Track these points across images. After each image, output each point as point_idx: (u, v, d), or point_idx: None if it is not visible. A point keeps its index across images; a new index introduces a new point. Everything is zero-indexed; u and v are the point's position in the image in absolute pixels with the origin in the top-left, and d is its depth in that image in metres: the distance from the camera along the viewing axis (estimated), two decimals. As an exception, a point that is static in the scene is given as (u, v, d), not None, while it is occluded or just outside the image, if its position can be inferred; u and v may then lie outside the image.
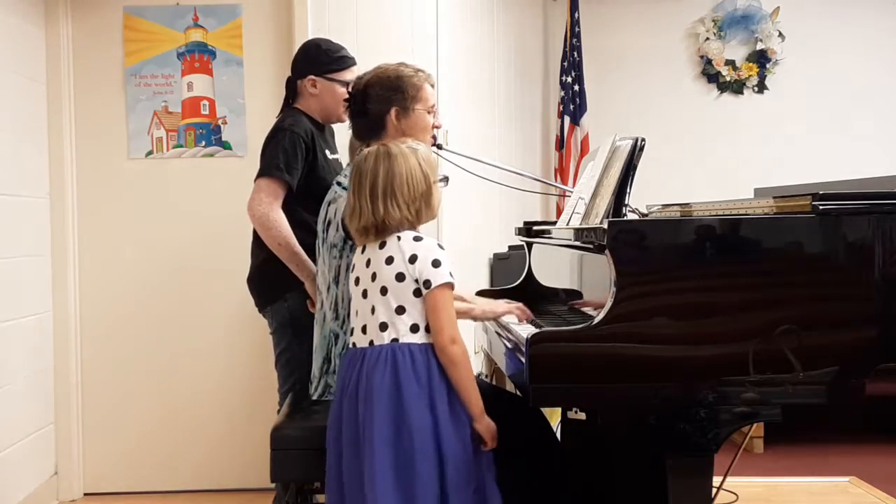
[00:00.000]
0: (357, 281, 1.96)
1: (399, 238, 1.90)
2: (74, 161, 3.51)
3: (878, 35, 4.77)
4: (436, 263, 1.87)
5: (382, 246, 1.91)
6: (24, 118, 3.30)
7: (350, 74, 2.72)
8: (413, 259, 1.87)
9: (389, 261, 1.89)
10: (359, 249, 1.99)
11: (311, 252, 2.52)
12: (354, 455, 1.86)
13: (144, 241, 3.54)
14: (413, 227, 1.92)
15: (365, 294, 1.93)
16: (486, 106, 4.14)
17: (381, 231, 1.90)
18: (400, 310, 1.87)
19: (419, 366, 1.84)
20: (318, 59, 2.74)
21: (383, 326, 1.88)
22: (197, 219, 3.53)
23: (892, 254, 1.71)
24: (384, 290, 1.88)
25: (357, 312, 1.95)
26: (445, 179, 2.02)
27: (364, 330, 1.92)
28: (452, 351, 1.85)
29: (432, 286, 1.86)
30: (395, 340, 1.87)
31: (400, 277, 1.87)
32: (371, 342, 1.90)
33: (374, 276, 1.91)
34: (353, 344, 1.95)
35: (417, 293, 1.87)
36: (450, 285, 1.88)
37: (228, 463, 3.54)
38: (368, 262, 1.93)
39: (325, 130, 2.81)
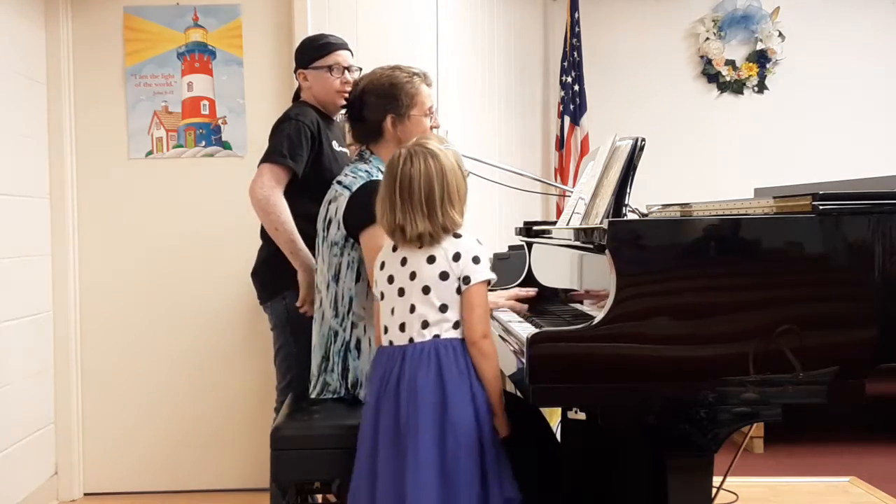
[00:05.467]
0: (391, 279, 1.95)
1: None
2: (74, 161, 3.51)
3: (878, 35, 4.77)
4: (476, 260, 1.90)
5: (421, 246, 1.92)
6: (24, 118, 3.30)
7: (333, 58, 2.74)
8: (457, 257, 1.89)
9: (431, 260, 1.90)
10: (387, 247, 1.99)
11: (312, 243, 2.54)
12: (393, 452, 1.86)
13: (144, 241, 3.54)
14: (461, 225, 1.94)
15: (402, 292, 1.93)
16: (486, 106, 4.14)
17: (435, 237, 1.90)
18: (443, 308, 1.89)
19: (461, 360, 1.87)
20: (302, 53, 2.81)
21: (425, 324, 1.89)
22: (197, 219, 3.53)
23: (892, 254, 1.71)
24: (426, 290, 1.89)
25: (393, 311, 1.95)
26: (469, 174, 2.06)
27: (402, 328, 1.92)
28: (484, 345, 1.88)
29: (472, 282, 1.88)
30: (437, 337, 1.88)
31: (444, 276, 1.89)
32: (411, 339, 1.90)
33: (413, 276, 1.91)
34: (390, 342, 1.95)
35: (459, 291, 1.90)
36: (487, 282, 1.91)
37: (228, 463, 3.54)
38: (404, 261, 1.93)
39: (333, 123, 2.83)
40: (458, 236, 1.93)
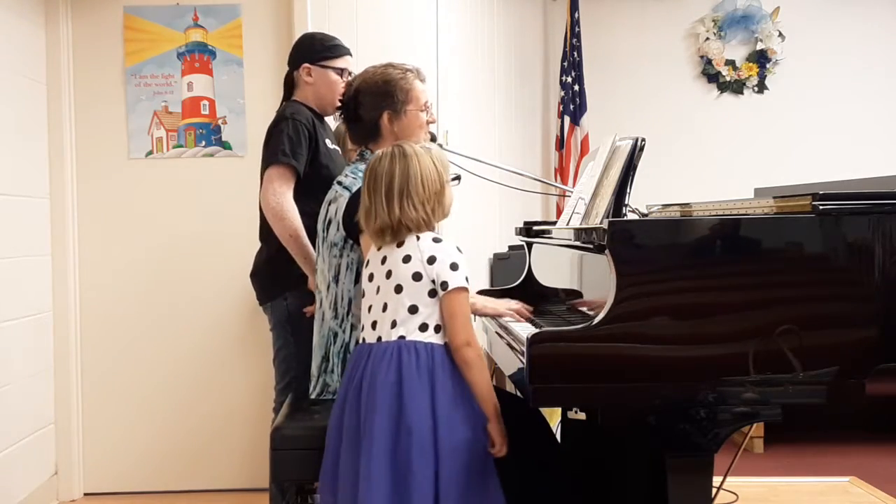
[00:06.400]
0: (371, 277, 1.97)
1: (418, 238, 1.92)
2: (74, 161, 3.51)
3: (878, 35, 4.77)
4: (454, 266, 1.89)
5: (400, 245, 1.92)
6: (24, 118, 3.30)
7: (343, 62, 2.76)
8: (432, 260, 1.89)
9: (407, 259, 1.90)
10: (374, 247, 2.00)
11: (312, 240, 2.53)
12: (353, 448, 1.87)
13: (144, 241, 3.54)
14: (428, 226, 1.94)
15: (378, 290, 1.94)
16: (486, 106, 4.14)
17: (397, 232, 1.92)
18: (413, 309, 1.89)
19: (423, 364, 1.85)
20: (312, 47, 2.78)
21: (393, 324, 1.89)
22: (197, 219, 3.53)
23: (892, 254, 1.71)
24: (399, 289, 1.90)
25: (369, 308, 1.96)
26: (458, 178, 2.05)
27: (374, 326, 1.93)
28: (467, 353, 1.86)
29: (449, 288, 1.88)
30: (403, 338, 1.88)
31: (417, 277, 1.89)
32: (379, 338, 1.91)
33: (388, 274, 1.92)
34: (363, 339, 1.96)
35: (432, 294, 1.89)
36: (466, 289, 1.90)
37: (228, 463, 3.54)
38: (384, 260, 1.94)
39: (324, 121, 2.83)
40: (437, 241, 1.93)
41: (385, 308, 1.91)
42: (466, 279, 1.91)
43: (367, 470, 1.80)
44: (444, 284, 1.88)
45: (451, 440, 1.82)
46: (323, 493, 1.94)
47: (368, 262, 2.00)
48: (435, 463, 1.81)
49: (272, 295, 2.74)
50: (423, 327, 1.89)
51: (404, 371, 1.84)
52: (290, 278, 2.64)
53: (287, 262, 2.62)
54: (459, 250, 1.93)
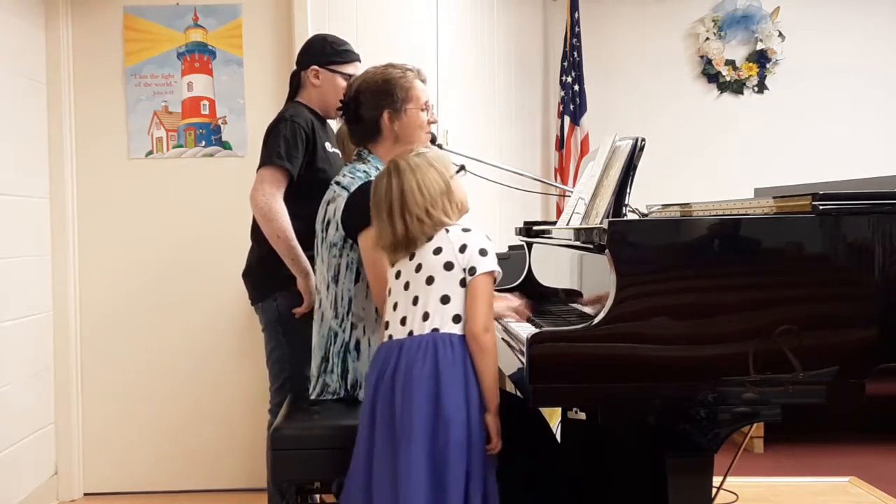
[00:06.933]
0: (398, 275, 1.97)
1: (447, 231, 1.93)
2: (74, 161, 3.51)
3: (878, 35, 4.77)
4: (483, 252, 1.90)
5: (430, 239, 1.93)
6: (24, 118, 3.30)
7: (353, 69, 2.75)
8: (463, 249, 1.90)
9: (438, 251, 1.91)
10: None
11: (306, 243, 2.53)
12: (389, 445, 1.86)
13: (144, 241, 3.54)
14: (443, 227, 1.94)
15: (407, 286, 1.94)
16: (486, 106, 4.14)
17: (409, 245, 1.93)
18: (445, 299, 1.89)
19: (458, 357, 1.85)
20: (323, 50, 2.78)
21: (425, 316, 1.89)
22: (197, 219, 3.53)
23: (892, 254, 1.71)
24: (430, 280, 1.90)
25: (395, 306, 1.96)
26: (462, 169, 2.06)
27: (403, 322, 1.93)
28: (484, 339, 1.86)
29: (477, 273, 1.88)
30: (436, 330, 1.87)
31: (448, 266, 1.90)
32: (410, 332, 1.90)
33: (418, 268, 1.92)
34: (390, 336, 1.95)
35: (463, 283, 1.89)
36: (493, 275, 1.90)
37: (228, 463, 3.54)
38: (413, 255, 1.94)
39: (326, 124, 2.82)
40: (466, 230, 1.94)
41: (416, 301, 1.91)
42: (497, 265, 1.91)
43: (407, 467, 1.79)
44: (473, 270, 1.89)
45: (479, 434, 1.84)
46: (353, 499, 1.92)
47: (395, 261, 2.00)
48: (468, 455, 1.82)
49: (263, 295, 2.75)
50: (457, 319, 1.88)
51: (441, 364, 1.84)
52: (280, 279, 2.64)
53: (278, 262, 2.62)
54: (488, 238, 1.94)
